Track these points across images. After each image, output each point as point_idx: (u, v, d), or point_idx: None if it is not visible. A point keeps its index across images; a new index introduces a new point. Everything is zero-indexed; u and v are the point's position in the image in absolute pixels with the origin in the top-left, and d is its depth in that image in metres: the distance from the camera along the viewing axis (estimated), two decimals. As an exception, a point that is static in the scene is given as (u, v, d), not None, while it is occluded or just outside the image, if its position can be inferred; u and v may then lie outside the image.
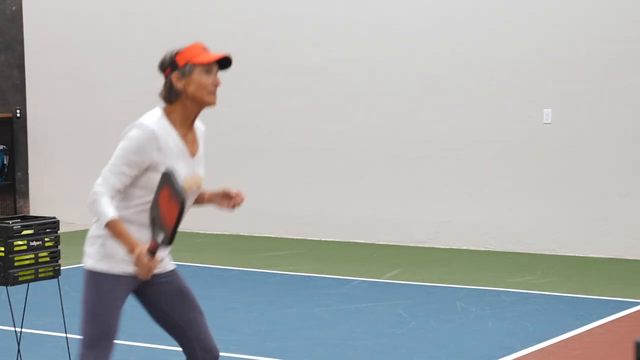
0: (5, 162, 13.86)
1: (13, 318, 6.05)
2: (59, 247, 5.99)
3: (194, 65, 4.44)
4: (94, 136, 13.32)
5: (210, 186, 4.75)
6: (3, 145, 13.87)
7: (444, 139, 11.42)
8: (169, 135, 4.41)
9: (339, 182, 11.95)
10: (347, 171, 11.89)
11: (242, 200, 4.64)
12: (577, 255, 10.85)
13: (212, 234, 12.51)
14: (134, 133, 4.36)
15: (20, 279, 5.77)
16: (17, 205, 14.00)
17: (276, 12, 12.20)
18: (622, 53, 10.60)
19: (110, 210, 4.28)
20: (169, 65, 4.48)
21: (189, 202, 4.49)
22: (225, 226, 12.55)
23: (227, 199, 4.65)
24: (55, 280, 6.06)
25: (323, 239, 11.98)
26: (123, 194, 4.42)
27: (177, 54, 4.47)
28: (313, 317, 8.07)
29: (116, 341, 4.48)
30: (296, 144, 12.11)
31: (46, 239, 5.90)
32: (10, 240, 5.73)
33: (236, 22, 12.38)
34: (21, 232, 5.80)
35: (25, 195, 13.96)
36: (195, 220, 12.79)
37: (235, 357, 6.86)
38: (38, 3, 13.68)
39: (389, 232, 11.68)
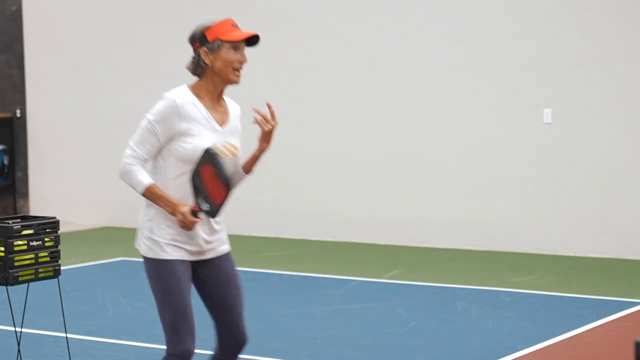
0: (5, 162, 13.86)
1: (13, 318, 6.04)
2: (59, 247, 5.98)
3: (223, 42, 4.58)
4: (94, 136, 13.31)
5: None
6: (3, 145, 13.87)
7: (443, 139, 11.42)
8: (193, 105, 4.57)
9: (339, 182, 11.94)
10: (347, 171, 11.88)
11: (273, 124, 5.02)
12: (577, 255, 10.84)
13: (212, 234, 12.49)
14: (157, 104, 4.55)
15: (20, 279, 5.76)
16: (17, 205, 13.99)
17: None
18: (622, 53, 10.60)
19: (144, 178, 4.50)
20: (198, 39, 4.60)
21: (232, 174, 4.79)
22: (225, 226, 12.52)
23: (264, 135, 5.04)
24: (55, 280, 6.05)
25: (323, 239, 11.97)
26: (159, 168, 4.58)
27: (206, 28, 4.58)
28: (313, 317, 8.06)
29: (193, 322, 4.59)
30: (296, 144, 12.09)
31: (46, 239, 5.89)
32: (10, 240, 5.72)
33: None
34: (21, 232, 5.79)
35: (25, 195, 13.96)
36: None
37: (235, 357, 6.85)
38: (38, 3, 13.67)
39: (389, 232, 11.68)
